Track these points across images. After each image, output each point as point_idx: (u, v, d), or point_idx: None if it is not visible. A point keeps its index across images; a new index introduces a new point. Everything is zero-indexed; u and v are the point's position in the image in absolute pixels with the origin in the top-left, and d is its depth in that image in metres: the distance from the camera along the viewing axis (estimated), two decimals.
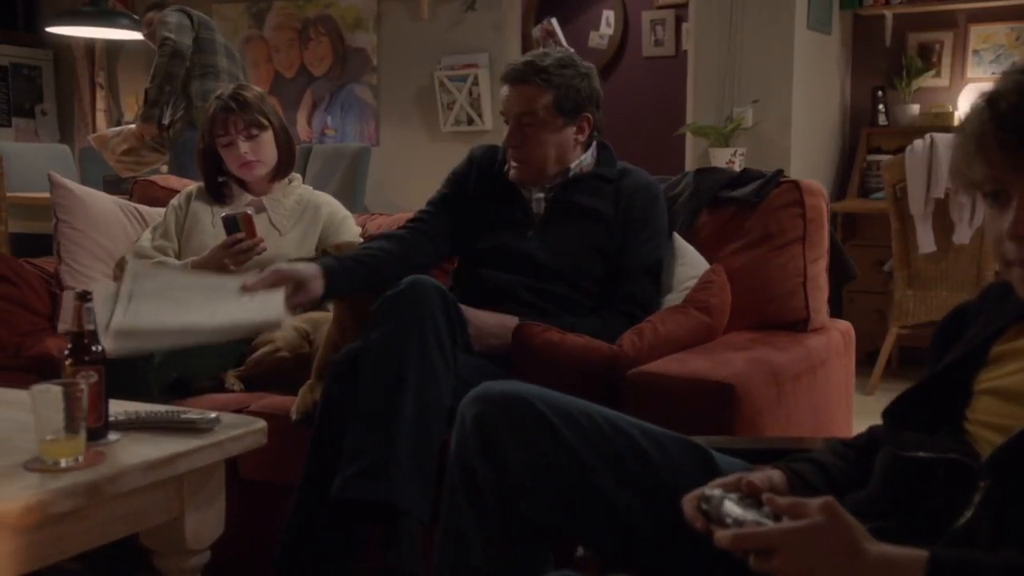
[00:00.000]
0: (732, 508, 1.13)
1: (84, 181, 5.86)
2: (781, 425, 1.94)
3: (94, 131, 6.48)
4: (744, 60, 4.78)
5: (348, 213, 2.86)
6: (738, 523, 1.10)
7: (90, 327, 1.65)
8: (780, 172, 2.35)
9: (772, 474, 1.29)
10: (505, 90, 2.28)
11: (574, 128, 2.28)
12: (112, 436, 1.67)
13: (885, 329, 4.57)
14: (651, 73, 6.46)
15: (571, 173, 2.29)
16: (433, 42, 5.52)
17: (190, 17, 4.57)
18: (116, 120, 6.44)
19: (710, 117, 4.85)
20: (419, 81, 5.60)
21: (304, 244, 2.74)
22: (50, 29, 5.12)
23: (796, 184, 2.30)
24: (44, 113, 6.57)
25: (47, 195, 4.65)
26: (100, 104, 6.46)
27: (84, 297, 1.66)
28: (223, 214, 2.63)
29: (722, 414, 1.81)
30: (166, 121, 4.54)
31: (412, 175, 5.61)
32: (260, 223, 2.68)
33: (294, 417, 2.21)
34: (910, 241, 4.39)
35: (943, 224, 4.29)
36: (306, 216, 2.79)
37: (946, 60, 5.27)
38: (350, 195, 5.07)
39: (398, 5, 5.61)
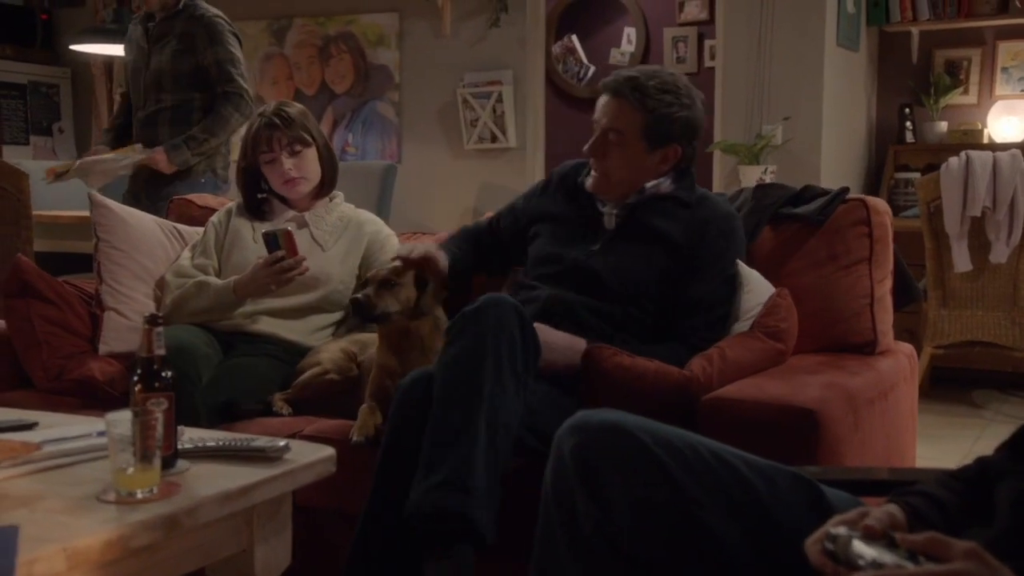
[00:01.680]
0: (864, 549, 1.08)
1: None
2: (858, 453, 1.88)
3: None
4: (773, 77, 4.75)
5: (391, 232, 2.82)
6: (876, 565, 1.05)
7: (160, 352, 1.60)
8: (846, 189, 2.30)
9: (891, 509, 1.23)
10: (603, 98, 2.22)
11: (658, 157, 2.21)
12: (181, 464, 1.62)
13: (917, 349, 4.52)
14: None
15: (646, 192, 2.24)
16: (456, 58, 5.49)
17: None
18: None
19: (738, 134, 4.81)
20: (442, 98, 5.57)
21: (347, 261, 2.70)
22: (74, 47, 5.09)
23: (863, 202, 2.26)
24: (61, 131, 6.54)
25: (71, 213, 4.67)
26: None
27: (154, 321, 1.61)
28: (263, 230, 2.59)
29: (804, 441, 1.75)
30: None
31: (434, 193, 5.57)
32: (302, 239, 2.64)
33: (354, 439, 2.16)
34: (944, 260, 4.34)
35: (979, 243, 4.25)
36: (348, 233, 2.75)
37: (974, 77, 5.25)
38: (376, 213, 5.01)
39: (421, 22, 5.58)
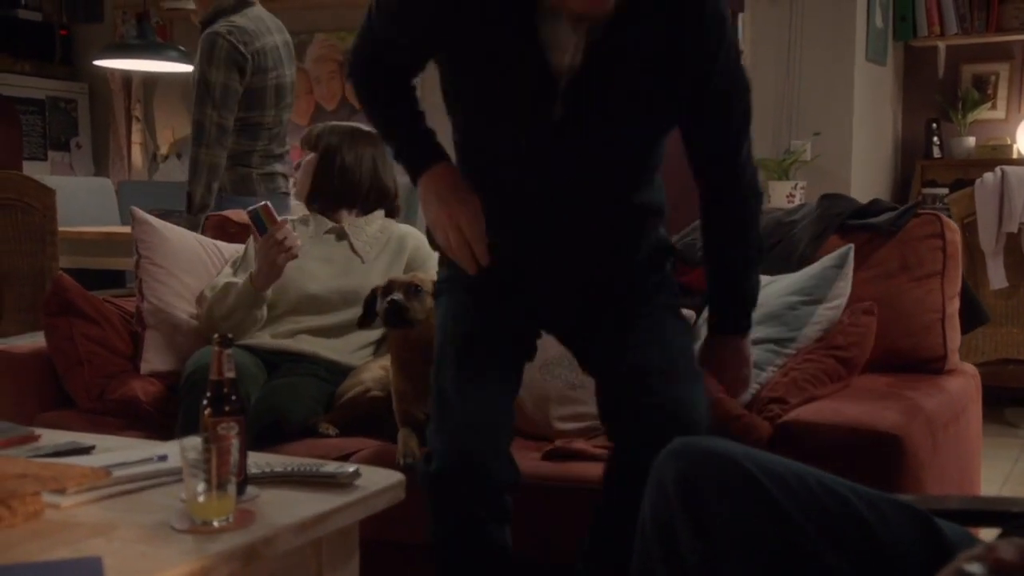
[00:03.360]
0: None
1: (122, 215, 5.80)
2: (936, 479, 1.83)
3: (129, 164, 6.41)
4: (802, 92, 4.71)
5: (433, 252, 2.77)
6: None
7: (230, 375, 1.55)
8: (919, 203, 2.27)
9: (1020, 543, 1.18)
10: None
11: None
12: (251, 491, 1.57)
13: None
14: None
15: None
16: None
17: None
18: (151, 154, 6.36)
19: (766, 150, 4.77)
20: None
21: (390, 274, 2.65)
22: (98, 62, 5.05)
23: (937, 216, 2.22)
24: (79, 146, 6.51)
25: (96, 229, 4.63)
26: (136, 137, 6.39)
27: (225, 343, 1.56)
28: (247, 209, 2.57)
29: (885, 468, 1.70)
30: None
31: None
32: (341, 250, 2.61)
33: (401, 462, 2.12)
34: (979, 277, 4.29)
35: (1015, 259, 4.20)
36: (391, 245, 2.70)
37: (1002, 92, 5.21)
38: None
39: None
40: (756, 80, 4.80)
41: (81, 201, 5.31)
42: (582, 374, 2.41)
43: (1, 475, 1.44)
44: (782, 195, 4.57)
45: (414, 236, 2.76)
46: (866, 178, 4.87)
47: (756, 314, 2.18)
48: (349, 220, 2.74)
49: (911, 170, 5.33)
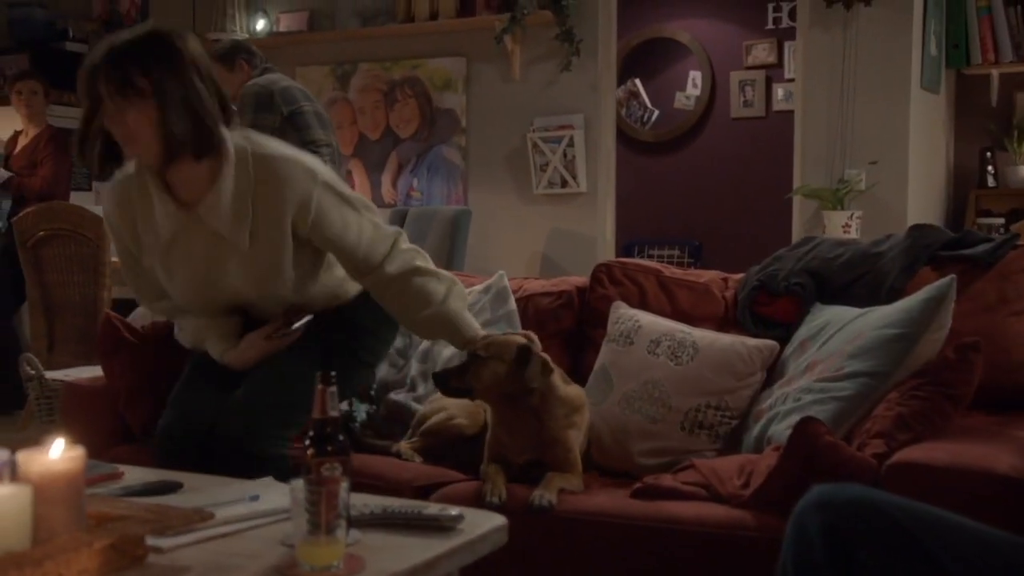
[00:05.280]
0: None
1: None
2: None
3: None
4: (856, 121, 4.65)
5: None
6: None
7: (334, 413, 1.50)
8: (1017, 235, 2.20)
9: None
10: None
11: None
12: (353, 535, 1.51)
13: None
14: (740, 134, 6.35)
15: None
16: (526, 102, 5.43)
17: None
18: None
19: (818, 179, 4.72)
20: (510, 142, 5.50)
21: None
22: None
23: None
24: None
25: None
26: None
27: (327, 380, 1.51)
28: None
29: (1003, 513, 1.63)
30: None
31: (502, 238, 5.49)
32: None
33: (488, 500, 2.07)
34: None
35: None
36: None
37: None
38: (449, 257, 4.95)
39: (489, 66, 5.53)
40: (808, 108, 4.77)
41: None
42: (662, 407, 2.37)
43: (104, 516, 1.40)
44: (837, 225, 4.50)
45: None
46: (920, 208, 4.79)
47: (850, 347, 2.13)
48: None
49: (964, 200, 5.25)
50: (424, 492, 2.18)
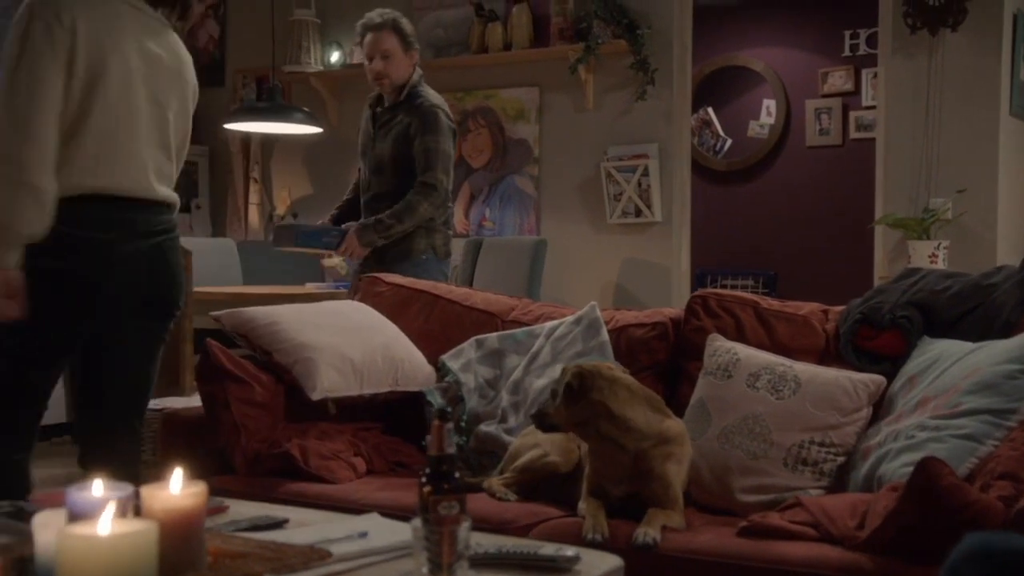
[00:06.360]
0: None
1: (245, 275, 5.87)
2: None
3: (246, 224, 6.49)
4: (942, 148, 4.55)
5: None
6: None
7: (451, 450, 1.48)
8: None
9: None
10: None
11: None
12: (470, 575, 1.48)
13: None
14: (816, 163, 6.26)
15: None
16: (599, 132, 5.41)
17: None
18: (268, 214, 6.44)
19: (902, 208, 4.61)
20: (583, 171, 5.48)
21: None
22: (228, 126, 5.14)
23: None
24: (199, 207, 6.61)
25: (227, 290, 4.66)
26: (253, 198, 6.48)
27: (444, 416, 1.48)
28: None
29: None
30: None
31: (576, 267, 5.46)
32: None
33: (588, 537, 2.02)
34: None
35: None
36: None
37: None
38: (526, 287, 4.93)
39: (562, 95, 5.52)
40: (891, 136, 4.67)
41: (210, 261, 5.38)
42: (763, 443, 2.30)
43: (222, 552, 1.38)
44: (924, 255, 4.39)
45: None
46: (1013, 239, 4.66)
47: (967, 383, 2.05)
48: None
49: None
50: (524, 529, 2.14)
